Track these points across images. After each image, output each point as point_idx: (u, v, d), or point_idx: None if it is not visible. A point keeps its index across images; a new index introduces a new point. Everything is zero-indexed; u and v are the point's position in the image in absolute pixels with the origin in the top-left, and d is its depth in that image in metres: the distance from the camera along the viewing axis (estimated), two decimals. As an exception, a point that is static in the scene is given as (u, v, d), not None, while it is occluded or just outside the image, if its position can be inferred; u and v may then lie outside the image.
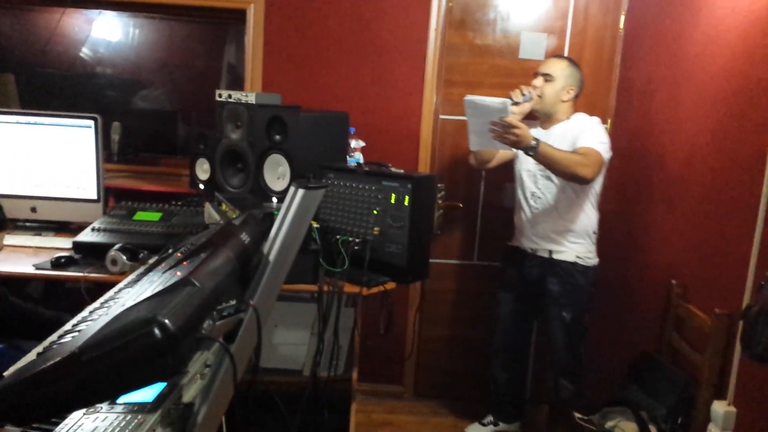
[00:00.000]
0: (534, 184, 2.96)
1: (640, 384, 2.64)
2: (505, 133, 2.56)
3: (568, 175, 2.67)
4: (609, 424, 2.56)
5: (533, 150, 2.58)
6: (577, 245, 2.91)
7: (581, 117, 2.93)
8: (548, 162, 2.64)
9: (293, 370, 3.24)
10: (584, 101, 3.44)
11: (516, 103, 2.80)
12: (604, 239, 3.02)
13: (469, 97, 2.65)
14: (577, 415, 2.68)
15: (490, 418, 3.34)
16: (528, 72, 3.23)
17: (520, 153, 2.94)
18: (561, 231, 2.92)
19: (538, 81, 2.91)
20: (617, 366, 2.92)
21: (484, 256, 3.61)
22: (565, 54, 3.38)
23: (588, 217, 2.92)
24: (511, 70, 3.41)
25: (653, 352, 2.72)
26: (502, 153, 3.01)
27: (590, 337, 3.01)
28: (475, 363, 3.62)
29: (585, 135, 2.76)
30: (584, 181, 2.72)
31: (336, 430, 2.74)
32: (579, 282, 2.91)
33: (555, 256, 2.93)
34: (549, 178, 2.89)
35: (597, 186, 2.89)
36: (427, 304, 3.62)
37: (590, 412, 2.68)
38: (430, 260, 2.68)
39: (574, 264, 2.90)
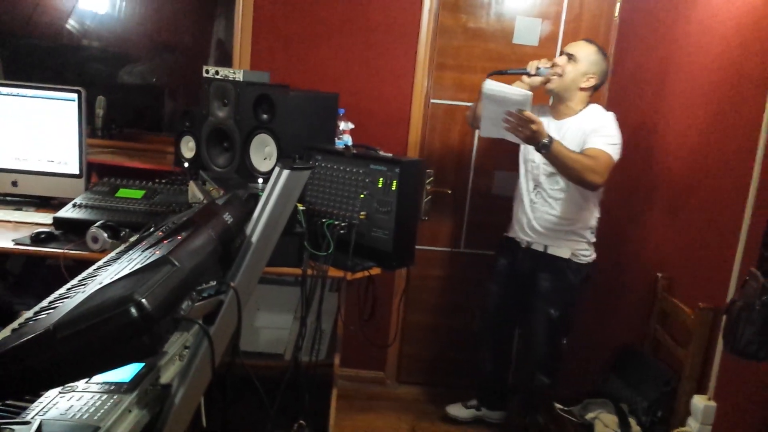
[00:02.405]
0: (537, 177, 2.82)
1: (622, 376, 2.65)
2: (520, 125, 2.44)
3: (576, 179, 2.56)
4: (590, 415, 2.56)
5: (545, 148, 2.46)
6: (573, 242, 2.80)
7: (596, 111, 2.77)
8: (558, 163, 2.52)
9: (275, 353, 3.22)
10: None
11: (528, 74, 2.71)
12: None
13: (489, 84, 2.50)
14: (558, 405, 2.67)
15: (474, 402, 3.34)
16: (522, 57, 3.21)
17: None
18: (559, 227, 2.80)
19: (561, 59, 2.74)
20: (600, 357, 2.93)
21: (471, 244, 3.59)
22: (559, 41, 3.35)
23: (589, 214, 2.81)
24: (504, 55, 3.37)
25: (637, 344, 2.73)
26: None
27: (575, 328, 3.00)
28: (458, 351, 3.62)
29: (597, 135, 2.61)
30: (593, 188, 2.61)
31: (316, 415, 2.72)
32: (570, 280, 2.81)
33: (550, 251, 2.83)
34: (554, 173, 2.74)
35: None
36: (411, 290, 3.60)
37: (571, 403, 2.68)
38: (417, 247, 2.66)
39: (567, 261, 2.79)
